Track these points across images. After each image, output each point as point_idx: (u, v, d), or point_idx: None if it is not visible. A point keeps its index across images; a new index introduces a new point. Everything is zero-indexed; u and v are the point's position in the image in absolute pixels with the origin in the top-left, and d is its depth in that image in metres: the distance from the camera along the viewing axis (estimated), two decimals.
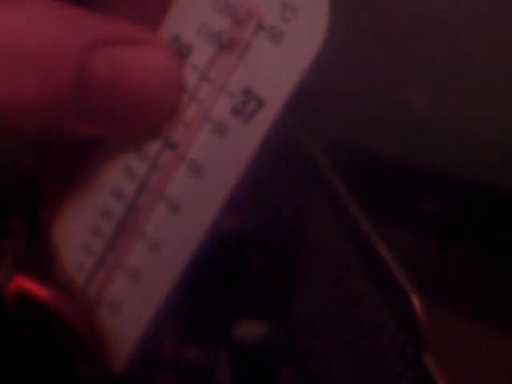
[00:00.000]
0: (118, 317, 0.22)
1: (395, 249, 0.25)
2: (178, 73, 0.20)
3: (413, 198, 0.40)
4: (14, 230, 0.23)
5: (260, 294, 0.33)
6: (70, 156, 0.22)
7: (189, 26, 0.20)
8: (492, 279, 0.39)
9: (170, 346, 0.30)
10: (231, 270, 0.32)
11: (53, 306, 0.21)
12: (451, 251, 0.40)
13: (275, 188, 0.33)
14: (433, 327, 0.23)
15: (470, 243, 0.40)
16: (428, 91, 0.41)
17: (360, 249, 0.27)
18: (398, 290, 0.23)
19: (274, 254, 0.33)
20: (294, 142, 0.31)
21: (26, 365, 0.22)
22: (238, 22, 0.19)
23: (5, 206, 0.23)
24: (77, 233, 0.22)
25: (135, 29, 0.19)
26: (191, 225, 0.21)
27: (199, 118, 0.20)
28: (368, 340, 0.26)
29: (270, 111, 0.19)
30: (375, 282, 0.26)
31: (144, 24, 0.20)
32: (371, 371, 0.26)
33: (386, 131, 0.41)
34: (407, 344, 0.23)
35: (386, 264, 0.24)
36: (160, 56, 0.19)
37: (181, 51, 0.20)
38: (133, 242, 0.21)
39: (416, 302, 0.23)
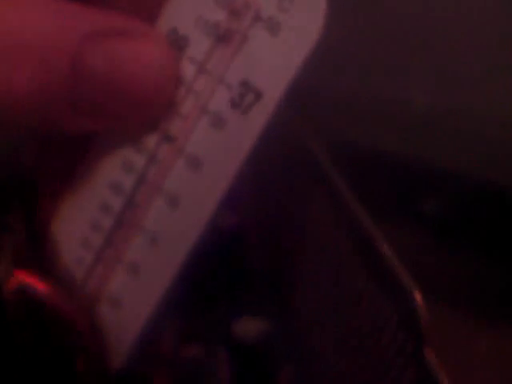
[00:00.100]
0: (118, 312, 0.22)
1: (394, 246, 0.25)
2: (174, 66, 0.20)
3: (412, 195, 0.40)
4: (14, 226, 0.23)
5: (260, 290, 0.33)
6: (68, 151, 0.22)
7: (186, 18, 0.20)
8: (492, 277, 0.39)
9: (169, 343, 0.30)
10: (231, 266, 0.32)
11: (52, 301, 0.21)
12: (451, 249, 0.40)
13: (275, 184, 0.33)
14: (433, 324, 0.23)
15: (469, 240, 0.40)
16: (428, 88, 0.41)
17: (361, 246, 0.26)
18: (399, 286, 0.23)
19: (274, 250, 0.33)
20: (294, 139, 0.31)
21: (25, 360, 0.22)
22: (234, 13, 0.19)
23: (4, 202, 0.23)
24: (76, 227, 0.22)
25: (131, 22, 0.19)
26: (190, 218, 0.21)
27: (197, 111, 0.20)
28: (368, 337, 0.26)
29: (268, 103, 0.19)
30: (376, 279, 0.25)
31: (141, 18, 0.20)
32: (371, 368, 0.25)
33: (385, 128, 0.41)
34: (408, 341, 0.23)
35: (387, 261, 0.24)
36: (156, 49, 0.19)
37: (178, 43, 0.20)
38: (132, 237, 0.21)
39: (418, 299, 0.23)
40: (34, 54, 0.18)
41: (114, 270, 0.22)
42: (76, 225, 0.22)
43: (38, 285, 0.21)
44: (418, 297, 0.23)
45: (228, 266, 0.32)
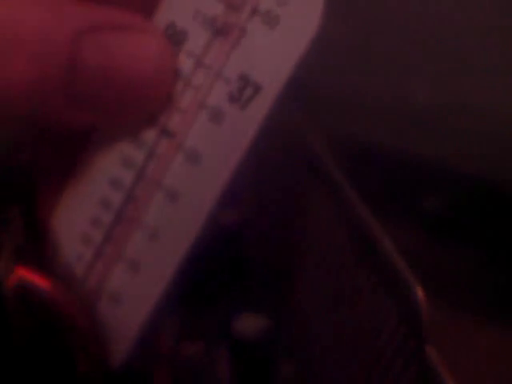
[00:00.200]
0: (118, 308, 0.22)
1: (394, 243, 0.25)
2: (171, 60, 0.20)
3: (412, 192, 0.40)
4: (13, 222, 0.23)
5: (260, 287, 0.33)
6: (67, 146, 0.22)
7: (184, 11, 0.20)
8: (493, 273, 0.39)
9: (169, 339, 0.30)
10: (231, 263, 0.32)
11: (52, 297, 0.21)
12: (451, 246, 0.40)
13: (275, 181, 0.33)
14: (434, 321, 0.23)
15: (470, 237, 0.40)
16: (428, 84, 0.41)
17: (361, 241, 0.26)
18: (401, 282, 0.23)
19: (274, 246, 0.33)
20: (294, 133, 0.31)
21: (25, 357, 0.22)
22: (232, 6, 0.19)
23: (4, 197, 0.23)
24: (75, 223, 0.22)
25: (127, 16, 0.19)
26: (190, 213, 0.21)
27: (195, 105, 0.20)
28: (369, 333, 0.26)
29: (267, 97, 0.19)
30: (377, 275, 0.25)
31: (138, 12, 0.20)
32: (372, 363, 0.25)
33: (385, 123, 0.41)
34: (408, 337, 0.23)
35: (388, 257, 0.24)
36: (152, 43, 0.19)
37: (176, 37, 0.20)
38: (131, 232, 0.21)
39: (420, 294, 0.23)
40: (29, 48, 0.18)
41: (114, 266, 0.22)
42: (76, 221, 0.22)
43: (37, 281, 0.21)
44: (419, 293, 0.23)
45: (228, 263, 0.32)
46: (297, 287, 0.32)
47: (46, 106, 0.19)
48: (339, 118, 0.39)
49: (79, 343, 0.22)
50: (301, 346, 0.31)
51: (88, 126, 0.20)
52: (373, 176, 0.37)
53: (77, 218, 0.22)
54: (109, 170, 0.21)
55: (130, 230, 0.21)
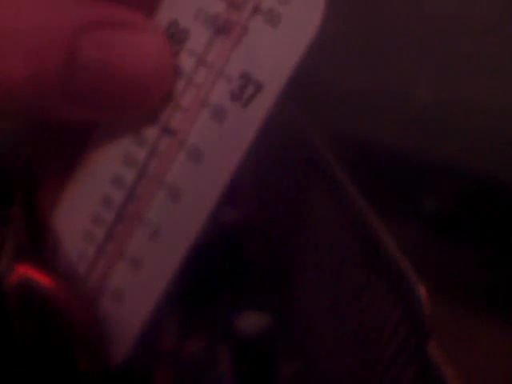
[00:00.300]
0: (120, 306, 0.22)
1: (395, 241, 0.25)
2: (170, 58, 0.20)
3: (412, 190, 0.40)
4: (15, 219, 0.23)
5: (261, 285, 0.33)
6: (68, 143, 0.22)
7: (186, 10, 0.20)
8: (494, 271, 0.39)
9: (171, 337, 0.30)
10: (232, 260, 0.32)
11: (54, 294, 0.21)
12: (452, 244, 0.40)
13: (276, 179, 0.33)
14: (436, 318, 0.23)
15: (471, 235, 0.40)
16: (430, 82, 0.41)
17: (363, 239, 0.26)
18: (403, 280, 0.23)
19: (276, 244, 0.33)
20: (294, 133, 0.31)
21: (26, 353, 0.22)
22: (234, 5, 0.19)
23: (5, 195, 0.23)
24: (77, 221, 0.22)
25: (127, 13, 0.19)
26: (192, 211, 0.21)
27: (197, 104, 0.20)
28: (371, 330, 0.26)
29: (269, 95, 0.19)
30: (378, 272, 0.25)
31: (139, 9, 0.20)
32: (374, 361, 0.25)
33: (386, 121, 0.41)
34: (411, 334, 0.23)
35: (390, 254, 0.24)
36: (152, 41, 0.19)
37: (178, 36, 0.20)
38: (133, 230, 0.21)
39: (422, 293, 0.23)
40: (28, 42, 0.18)
41: (115, 263, 0.22)
42: (77, 218, 0.22)
43: (39, 278, 0.21)
44: (422, 291, 0.23)
45: (229, 261, 0.32)
46: (298, 285, 0.32)
47: (44, 101, 0.19)
48: (340, 117, 0.39)
49: (80, 340, 0.22)
50: (302, 343, 0.31)
51: (88, 122, 0.20)
52: (373, 175, 0.37)
53: (78, 215, 0.22)
54: (110, 168, 0.21)
55: (131, 228, 0.21)
